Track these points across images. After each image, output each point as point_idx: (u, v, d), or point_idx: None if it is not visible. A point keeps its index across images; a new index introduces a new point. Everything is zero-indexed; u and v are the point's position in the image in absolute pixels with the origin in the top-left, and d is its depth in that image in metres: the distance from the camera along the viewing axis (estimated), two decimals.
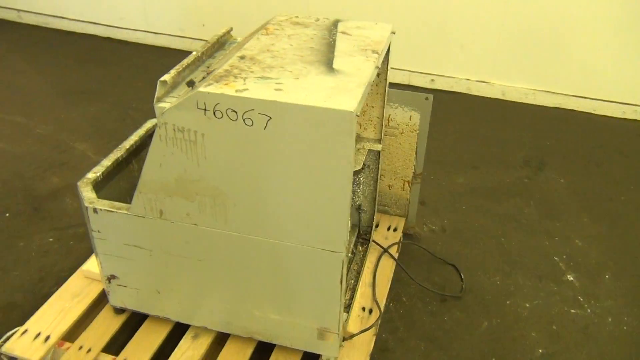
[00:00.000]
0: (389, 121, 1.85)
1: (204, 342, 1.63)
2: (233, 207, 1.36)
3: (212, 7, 3.52)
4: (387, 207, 2.16)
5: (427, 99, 1.75)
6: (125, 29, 3.76)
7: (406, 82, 3.43)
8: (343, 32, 1.55)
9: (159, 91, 1.30)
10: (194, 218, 1.40)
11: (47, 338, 1.62)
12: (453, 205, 2.43)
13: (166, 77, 1.32)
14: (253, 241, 1.40)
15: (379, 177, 1.85)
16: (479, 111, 3.21)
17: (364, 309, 1.76)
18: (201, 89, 1.22)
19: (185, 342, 1.63)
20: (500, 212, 2.40)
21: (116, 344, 1.65)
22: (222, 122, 1.23)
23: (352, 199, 1.80)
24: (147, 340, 1.64)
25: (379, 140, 1.78)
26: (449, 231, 2.28)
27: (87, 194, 1.52)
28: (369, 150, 1.78)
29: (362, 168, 1.81)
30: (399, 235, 2.08)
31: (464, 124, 3.07)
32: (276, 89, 1.22)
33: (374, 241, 2.00)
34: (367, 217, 1.96)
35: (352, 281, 1.79)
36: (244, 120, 1.22)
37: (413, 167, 1.97)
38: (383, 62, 1.63)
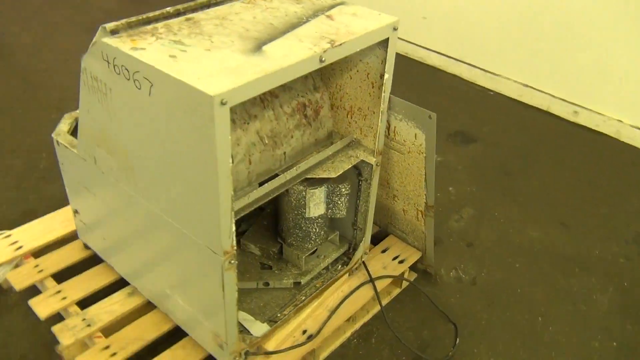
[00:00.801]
0: (394, 134, 1.56)
1: (133, 302, 1.60)
2: (138, 171, 1.28)
3: None
4: (405, 235, 1.87)
5: (430, 117, 1.42)
6: None
7: (545, 108, 2.91)
8: (328, 16, 1.33)
9: (97, 36, 1.26)
10: (115, 173, 1.36)
11: (20, 248, 1.74)
12: (507, 260, 2.00)
13: (112, 24, 1.27)
14: (155, 215, 1.30)
15: (371, 192, 1.59)
16: (622, 163, 2.59)
17: (304, 331, 1.55)
18: (105, 39, 1.14)
19: (118, 295, 1.62)
20: (559, 286, 1.91)
21: (68, 274, 1.70)
22: (120, 78, 1.15)
23: (332, 209, 1.57)
24: (90, 280, 1.67)
25: (376, 153, 1.52)
26: (479, 286, 1.89)
27: (61, 126, 1.57)
28: (362, 161, 1.54)
29: (345, 177, 1.57)
30: (402, 268, 1.79)
31: (587, 170, 2.50)
32: (170, 56, 1.09)
33: (363, 263, 1.75)
34: (362, 236, 1.71)
35: (304, 298, 1.59)
36: (134, 82, 1.12)
37: (424, 197, 1.65)
38: (381, 62, 1.37)
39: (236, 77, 1.02)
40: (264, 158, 1.38)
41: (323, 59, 1.16)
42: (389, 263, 1.80)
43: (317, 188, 1.51)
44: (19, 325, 1.63)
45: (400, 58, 3.34)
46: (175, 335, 1.53)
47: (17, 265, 1.73)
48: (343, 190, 1.56)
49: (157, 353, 1.48)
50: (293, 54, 1.13)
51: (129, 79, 1.12)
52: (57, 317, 1.59)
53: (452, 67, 3.22)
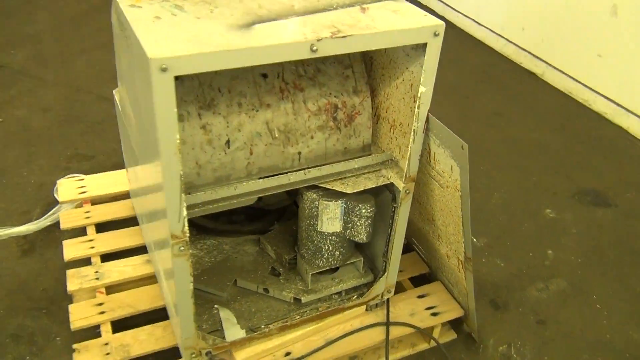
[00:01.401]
0: (434, 162, 1.31)
1: (145, 270, 1.60)
2: (134, 133, 1.25)
3: (534, 11, 3.02)
4: (452, 286, 1.59)
5: (462, 148, 1.15)
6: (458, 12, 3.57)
7: None
8: (363, 8, 1.16)
9: None
10: (132, 131, 1.36)
11: (84, 192, 1.86)
12: (581, 355, 1.59)
13: None
14: (151, 184, 1.27)
15: (398, 222, 1.36)
16: None
17: (287, 353, 1.40)
18: None
19: (136, 259, 1.63)
20: None
21: (109, 227, 1.76)
22: (122, 32, 1.13)
23: (350, 230, 1.38)
24: (122, 238, 1.71)
25: (405, 178, 1.30)
26: None
27: None
28: (392, 184, 1.33)
29: (369, 198, 1.36)
30: (433, 322, 1.52)
31: None
32: (155, 17, 1.04)
33: (387, 302, 1.52)
34: (392, 272, 1.48)
35: (298, 317, 1.43)
36: (125, 37, 1.09)
37: (462, 244, 1.37)
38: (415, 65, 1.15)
39: (192, 46, 0.93)
40: (270, 152, 1.26)
41: (315, 48, 1.01)
42: (420, 312, 1.54)
43: (331, 201, 1.34)
44: (55, 260, 1.74)
45: (561, 96, 2.91)
46: (166, 314, 1.49)
47: (77, 207, 1.86)
48: (363, 211, 1.36)
49: (139, 325, 1.46)
50: (280, 37, 1.00)
51: (123, 33, 1.10)
52: (84, 262, 1.66)
53: (619, 117, 2.71)
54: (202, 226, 1.63)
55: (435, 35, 1.11)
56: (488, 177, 2.28)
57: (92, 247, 1.67)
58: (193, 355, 1.30)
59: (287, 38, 0.99)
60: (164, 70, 0.90)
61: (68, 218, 1.78)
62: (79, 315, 1.47)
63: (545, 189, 2.23)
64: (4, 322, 1.56)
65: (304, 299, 1.45)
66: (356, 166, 1.33)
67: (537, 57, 3.06)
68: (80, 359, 1.36)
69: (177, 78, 0.93)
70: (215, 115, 1.19)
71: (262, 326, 1.40)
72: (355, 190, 1.31)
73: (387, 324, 1.49)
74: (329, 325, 1.48)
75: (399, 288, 1.65)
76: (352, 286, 1.51)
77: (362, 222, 1.38)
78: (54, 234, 1.82)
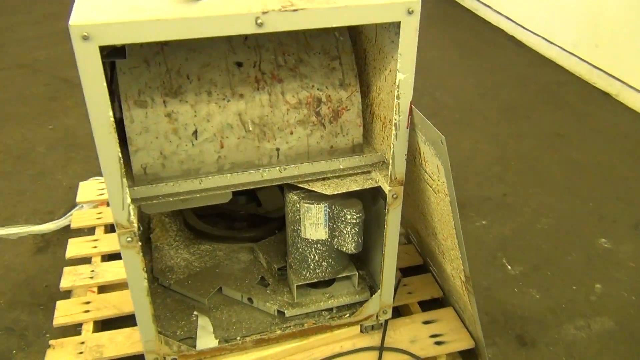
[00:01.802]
0: (424, 162, 1.15)
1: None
2: None
3: (608, 27, 2.74)
4: (462, 312, 1.40)
5: (441, 142, 0.99)
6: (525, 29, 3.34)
7: None
8: None
9: None
10: None
11: (102, 194, 1.87)
12: None
13: None
14: None
15: (387, 232, 1.21)
16: None
17: None
18: None
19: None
20: None
21: None
22: None
23: (337, 239, 1.25)
24: None
25: (391, 180, 1.16)
26: None
27: None
28: (380, 188, 1.19)
29: (356, 203, 1.22)
30: (436, 352, 1.33)
31: None
32: None
33: (384, 324, 1.36)
34: (386, 290, 1.33)
35: (279, 331, 1.30)
36: None
37: (460, 260, 1.19)
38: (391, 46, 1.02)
39: (121, 14, 0.87)
40: (244, 147, 1.17)
41: (260, 21, 0.91)
42: (423, 339, 1.36)
43: (313, 204, 1.23)
44: (64, 259, 1.74)
45: (637, 118, 2.60)
46: None
47: (94, 208, 1.86)
48: (349, 217, 1.23)
49: (119, 326, 1.40)
50: (224, 9, 0.92)
51: None
52: (86, 261, 1.64)
53: None
54: (199, 230, 1.56)
55: (410, 13, 0.98)
56: (536, 200, 2.04)
57: (95, 247, 1.65)
58: None
59: (230, 10, 0.91)
60: (85, 38, 0.84)
61: (79, 218, 1.78)
62: (64, 312, 1.44)
63: (603, 217, 1.96)
64: (1, 315, 1.56)
65: (287, 313, 1.33)
66: (341, 167, 1.21)
67: (612, 76, 2.77)
68: (53, 355, 1.32)
69: (118, 53, 0.88)
70: (182, 103, 1.13)
71: (238, 338, 1.29)
72: (336, 192, 1.19)
73: (381, 348, 1.33)
74: (315, 345, 1.34)
75: (405, 311, 1.48)
76: (345, 303, 1.37)
77: (349, 229, 1.24)
78: (70, 234, 1.83)
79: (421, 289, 1.52)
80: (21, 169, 2.20)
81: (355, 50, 1.25)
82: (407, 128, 1.10)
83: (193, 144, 1.15)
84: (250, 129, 1.17)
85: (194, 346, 1.25)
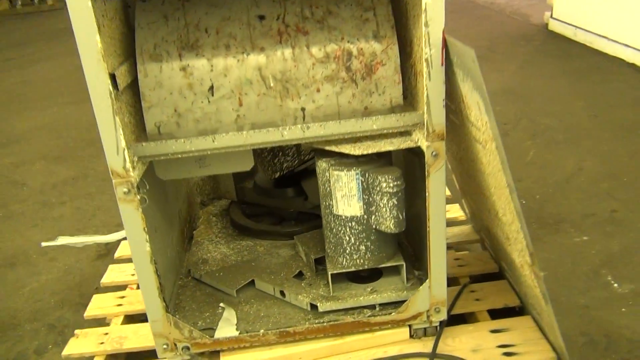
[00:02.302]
0: (468, 109, 0.94)
1: None
2: None
3: None
4: (540, 317, 1.11)
5: (473, 61, 0.78)
6: None
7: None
8: None
9: None
10: None
11: None
12: None
13: None
14: None
15: (430, 202, 1.00)
16: None
17: None
18: None
19: None
20: None
21: None
22: None
23: (375, 215, 1.06)
24: None
25: (427, 133, 0.97)
26: None
27: None
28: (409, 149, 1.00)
29: (393, 170, 1.03)
30: None
31: None
32: None
33: (438, 327, 1.11)
34: (437, 280, 1.10)
35: (307, 325, 1.11)
36: None
37: (521, 232, 0.93)
38: None
39: None
40: (265, 105, 1.06)
41: None
42: (488, 349, 1.10)
43: (343, 171, 1.06)
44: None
45: None
46: None
47: None
48: (384, 185, 1.04)
49: None
50: None
51: None
52: None
53: None
54: (241, 225, 1.44)
55: None
56: None
57: None
58: (166, 348, 1.08)
59: None
60: None
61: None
62: (97, 304, 1.37)
63: None
64: (50, 311, 1.53)
65: (321, 307, 1.14)
66: (374, 127, 1.04)
67: None
68: (75, 343, 1.24)
69: None
70: (199, 57, 1.05)
71: (262, 331, 1.12)
72: (366, 152, 1.02)
73: (433, 355, 1.08)
74: (353, 348, 1.12)
75: (471, 319, 1.22)
76: (390, 300, 1.15)
77: (385, 201, 1.05)
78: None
79: (492, 296, 1.25)
80: (104, 189, 2.26)
81: (394, 3, 1.11)
82: (442, 65, 0.92)
83: (209, 101, 1.05)
84: (272, 85, 1.06)
85: (210, 335, 1.10)
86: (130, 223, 0.97)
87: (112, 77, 0.96)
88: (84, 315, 1.35)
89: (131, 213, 0.97)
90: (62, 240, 1.88)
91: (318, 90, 1.06)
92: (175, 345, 1.08)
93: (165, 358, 1.09)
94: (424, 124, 0.99)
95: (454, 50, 0.88)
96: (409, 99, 1.10)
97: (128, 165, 0.94)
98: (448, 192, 1.72)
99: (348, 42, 1.06)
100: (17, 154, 2.77)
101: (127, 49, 1.07)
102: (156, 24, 1.06)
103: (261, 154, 1.37)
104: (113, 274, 1.48)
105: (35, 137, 2.97)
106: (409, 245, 1.33)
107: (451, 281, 1.33)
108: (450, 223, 1.60)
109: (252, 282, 1.26)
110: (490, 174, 0.98)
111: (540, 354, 1.07)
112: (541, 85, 2.99)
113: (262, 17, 1.07)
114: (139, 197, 0.96)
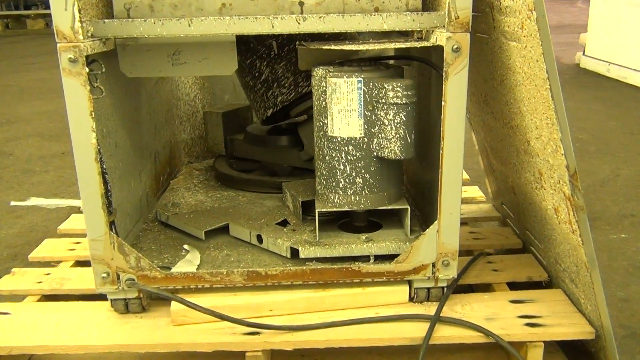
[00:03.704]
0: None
1: None
2: None
3: None
4: (575, 287, 0.88)
5: None
6: None
7: None
8: None
9: None
10: None
11: None
12: None
13: None
14: None
15: (447, 115, 0.81)
16: None
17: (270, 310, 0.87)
18: None
19: None
20: None
21: None
22: None
23: (377, 137, 0.86)
24: None
25: (448, 21, 0.78)
26: None
27: None
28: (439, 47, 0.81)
29: (401, 73, 0.84)
30: (530, 337, 0.83)
31: None
32: None
33: (443, 290, 0.89)
34: (447, 223, 0.88)
35: (283, 269, 0.89)
36: None
37: (561, 149, 0.73)
38: None
39: None
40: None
41: None
42: (507, 317, 0.87)
43: (343, 77, 0.87)
44: None
45: None
46: None
47: None
48: (391, 95, 0.85)
49: None
50: None
51: None
52: None
53: None
54: (225, 175, 1.25)
55: None
56: None
57: None
58: (105, 278, 0.87)
59: None
60: None
61: None
62: (47, 247, 1.17)
63: None
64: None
65: (303, 252, 0.92)
66: (385, 26, 0.85)
67: None
68: (8, 280, 1.03)
69: None
70: None
71: (233, 270, 0.90)
72: (370, 48, 0.83)
73: (436, 318, 0.85)
74: (337, 304, 0.90)
75: (486, 289, 0.99)
76: (389, 252, 0.93)
77: (391, 116, 0.86)
78: None
79: (513, 269, 1.03)
80: None
81: None
82: None
83: None
84: None
85: (163, 267, 0.89)
86: (73, 102, 0.79)
87: None
88: (29, 257, 1.15)
89: (76, 89, 0.78)
90: (34, 202, 1.70)
91: None
92: (118, 276, 0.87)
93: (103, 291, 0.88)
94: (444, 23, 0.80)
95: None
96: (429, 4, 0.92)
97: (77, 25, 0.76)
98: (466, 176, 1.52)
99: None
100: (14, 131, 2.64)
101: None
102: None
103: (254, 86, 1.19)
104: (74, 222, 1.29)
105: (36, 120, 2.85)
106: (414, 206, 1.12)
107: (465, 254, 1.11)
108: (468, 201, 1.39)
109: (227, 230, 1.05)
110: (527, 76, 0.78)
111: (573, 327, 0.84)
112: (572, 107, 2.80)
113: None
114: (87, 70, 0.78)
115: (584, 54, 3.97)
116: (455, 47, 0.79)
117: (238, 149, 1.32)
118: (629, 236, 1.39)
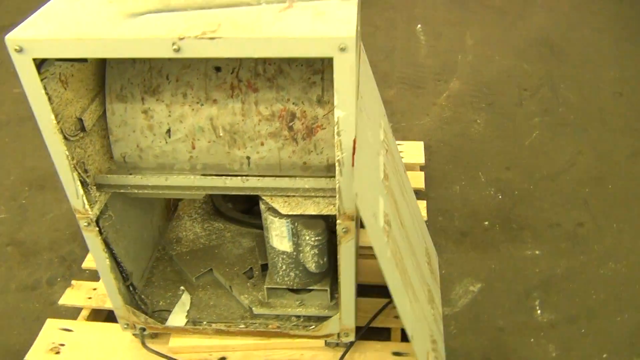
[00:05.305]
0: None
1: None
2: None
3: None
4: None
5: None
6: None
7: None
8: (288, 6, 0.98)
9: None
10: None
11: None
12: None
13: None
14: None
15: (341, 256, 1.16)
16: None
17: (222, 358, 1.35)
18: None
19: None
20: None
21: None
22: None
23: (302, 255, 1.22)
24: None
25: (341, 214, 1.09)
26: None
27: None
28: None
29: (318, 225, 1.17)
30: None
31: None
32: None
33: (348, 345, 1.33)
34: (346, 314, 1.29)
35: (242, 326, 1.35)
36: None
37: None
38: None
39: (56, 30, 0.93)
40: (214, 151, 1.20)
41: (177, 47, 0.90)
42: None
43: (276, 217, 1.22)
44: None
45: None
46: None
47: None
48: (308, 238, 1.20)
49: None
50: (147, 31, 0.92)
51: None
52: None
53: None
54: (215, 206, 1.64)
55: (342, 50, 0.89)
56: (615, 239, 1.74)
57: None
58: (126, 327, 1.36)
59: (151, 33, 0.91)
60: (19, 50, 0.92)
61: None
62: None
63: None
64: (64, 244, 1.84)
65: (255, 310, 1.37)
66: (306, 186, 1.17)
67: None
68: (69, 294, 1.54)
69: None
70: (159, 102, 1.18)
71: (204, 322, 1.37)
72: (292, 213, 1.16)
73: None
74: (276, 347, 1.37)
75: (385, 337, 1.42)
76: (315, 314, 1.36)
77: (308, 249, 1.22)
78: None
79: None
80: None
81: None
82: (353, 166, 1.02)
83: (166, 142, 1.20)
84: (221, 134, 1.18)
85: (161, 321, 1.36)
86: (93, 246, 1.19)
87: (80, 121, 1.13)
88: (82, 266, 1.64)
89: (93, 239, 1.18)
90: None
91: (262, 144, 1.18)
92: (134, 325, 1.36)
93: (126, 331, 1.37)
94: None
95: None
96: None
97: (87, 207, 1.13)
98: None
99: (293, 103, 1.15)
100: None
101: (100, 80, 1.20)
102: (124, 65, 1.18)
103: None
104: None
105: None
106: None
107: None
108: None
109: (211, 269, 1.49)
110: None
111: None
112: (584, 38, 2.83)
113: (218, 69, 1.17)
114: (97, 228, 1.16)
115: None
116: (344, 229, 1.11)
117: None
118: (541, 253, 1.71)
